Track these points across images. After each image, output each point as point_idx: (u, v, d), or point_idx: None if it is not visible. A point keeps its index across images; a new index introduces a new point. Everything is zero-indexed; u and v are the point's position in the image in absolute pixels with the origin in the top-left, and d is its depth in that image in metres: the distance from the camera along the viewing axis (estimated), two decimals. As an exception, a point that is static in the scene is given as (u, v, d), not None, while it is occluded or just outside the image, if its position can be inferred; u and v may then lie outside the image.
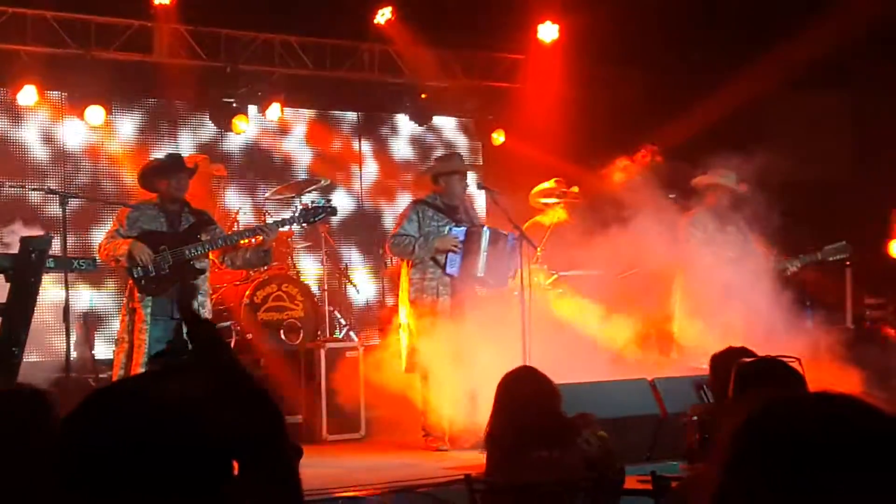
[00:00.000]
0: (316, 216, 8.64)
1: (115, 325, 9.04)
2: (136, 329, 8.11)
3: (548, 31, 12.27)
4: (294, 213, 8.93)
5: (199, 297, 8.30)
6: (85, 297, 10.88)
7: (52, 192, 8.44)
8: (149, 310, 8.14)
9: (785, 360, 4.70)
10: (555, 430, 5.26)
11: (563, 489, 5.03)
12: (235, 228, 10.04)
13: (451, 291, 8.94)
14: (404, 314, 9.04)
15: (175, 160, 8.52)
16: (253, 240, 8.58)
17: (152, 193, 8.38)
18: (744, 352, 5.07)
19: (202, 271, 8.37)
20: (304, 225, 9.08)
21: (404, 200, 12.82)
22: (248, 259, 8.57)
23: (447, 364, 8.69)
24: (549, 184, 10.63)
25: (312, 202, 8.91)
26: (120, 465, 1.95)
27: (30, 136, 11.06)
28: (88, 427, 2.03)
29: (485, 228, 9.13)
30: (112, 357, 8.47)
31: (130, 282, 8.20)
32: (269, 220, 9.16)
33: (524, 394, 5.35)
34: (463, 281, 8.95)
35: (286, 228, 9.07)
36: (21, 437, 3.10)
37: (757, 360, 5.01)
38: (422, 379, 8.93)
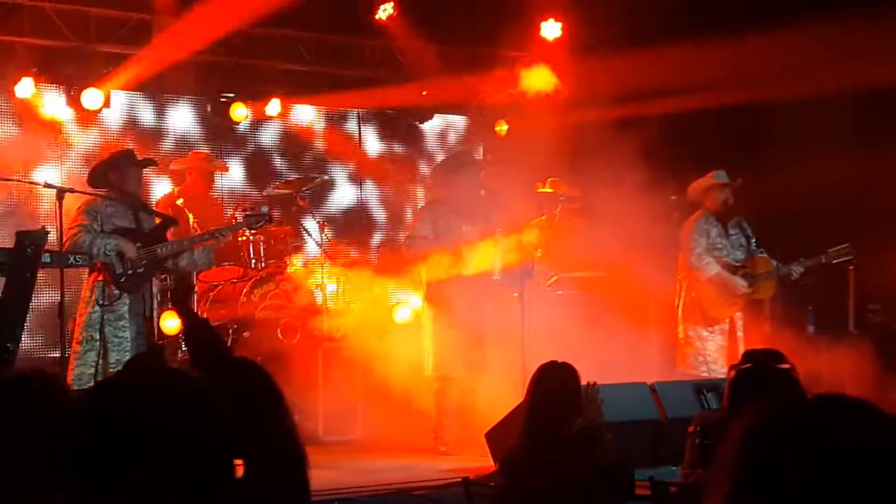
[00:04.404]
0: (258, 223, 9.05)
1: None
2: (111, 327, 8.04)
3: (550, 29, 12.20)
4: (239, 219, 9.34)
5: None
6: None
7: (49, 186, 8.34)
8: (126, 308, 8.08)
9: (780, 366, 4.65)
10: (576, 433, 5.18)
11: (569, 495, 4.96)
12: (235, 223, 10.02)
13: (467, 294, 8.87)
14: (423, 316, 9.03)
15: (127, 155, 8.55)
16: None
17: (100, 189, 8.36)
18: (775, 355, 4.98)
19: (171, 270, 8.48)
20: (250, 230, 9.54)
21: (405, 197, 12.79)
22: (194, 260, 8.63)
23: (461, 367, 8.67)
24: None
25: (253, 210, 9.42)
26: (131, 458, 1.96)
27: (26, 129, 10.96)
28: (101, 421, 2.03)
29: (499, 231, 9.06)
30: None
31: (95, 278, 8.09)
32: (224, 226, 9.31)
33: (552, 392, 5.28)
34: (478, 283, 8.88)
35: (225, 235, 9.04)
36: (37, 421, 3.12)
37: (752, 366, 4.94)
38: (437, 381, 8.89)
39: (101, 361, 7.94)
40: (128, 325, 8.07)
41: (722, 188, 9.81)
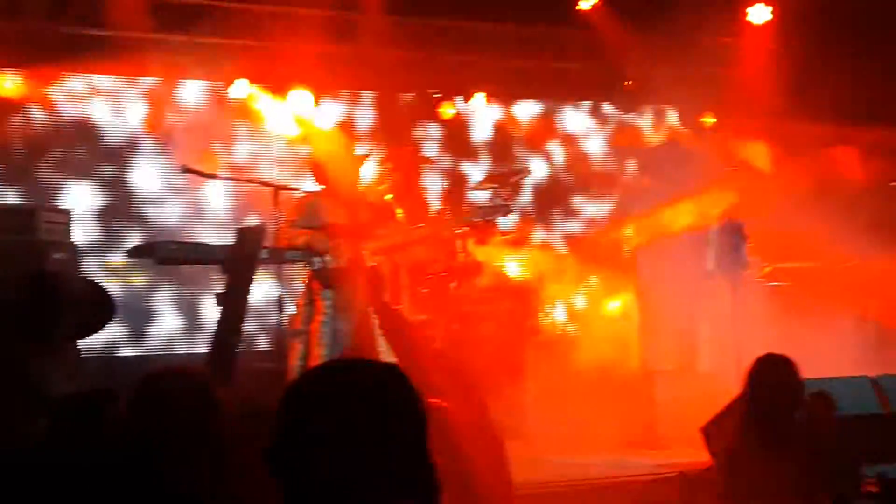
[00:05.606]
0: (492, 214, 8.82)
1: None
2: (314, 321, 8.14)
3: (759, 13, 11.85)
4: (472, 210, 9.27)
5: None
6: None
7: (265, 184, 8.57)
8: (329, 302, 8.14)
9: None
10: (797, 427, 5.05)
11: (794, 492, 4.83)
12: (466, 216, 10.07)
13: (678, 285, 8.73)
14: (633, 308, 8.95)
15: (340, 152, 8.64)
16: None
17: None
18: None
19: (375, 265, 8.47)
20: (479, 220, 9.28)
21: (610, 190, 12.67)
22: (409, 255, 8.60)
23: (673, 360, 8.55)
24: None
25: (488, 201, 9.22)
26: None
27: (242, 129, 11.30)
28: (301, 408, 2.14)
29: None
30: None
31: (309, 273, 8.22)
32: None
33: (771, 385, 5.14)
34: (689, 274, 8.74)
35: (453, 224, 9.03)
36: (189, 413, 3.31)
37: None
38: (649, 374, 8.79)
39: (306, 355, 8.09)
40: (329, 319, 8.15)
41: None
